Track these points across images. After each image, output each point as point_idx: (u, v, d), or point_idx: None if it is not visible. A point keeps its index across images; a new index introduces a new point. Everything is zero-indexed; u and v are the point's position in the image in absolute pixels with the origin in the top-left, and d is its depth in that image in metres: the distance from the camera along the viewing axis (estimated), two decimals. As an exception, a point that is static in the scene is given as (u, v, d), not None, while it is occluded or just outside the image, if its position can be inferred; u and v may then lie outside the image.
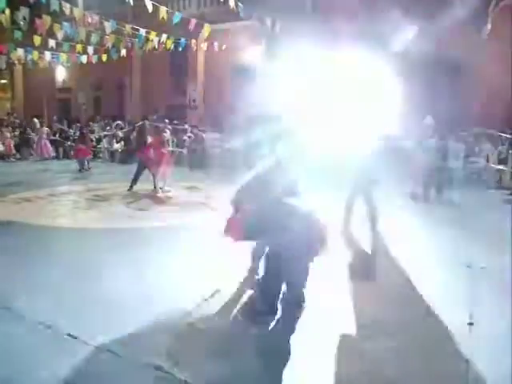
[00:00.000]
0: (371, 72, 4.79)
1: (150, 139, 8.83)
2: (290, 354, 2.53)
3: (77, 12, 11.82)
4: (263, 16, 12.19)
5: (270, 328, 2.62)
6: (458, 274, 4.18)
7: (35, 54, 14.23)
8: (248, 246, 3.79)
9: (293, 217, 2.65)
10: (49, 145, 15.89)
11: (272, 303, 2.81)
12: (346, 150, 4.58)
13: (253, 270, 3.71)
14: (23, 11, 10.32)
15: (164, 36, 13.04)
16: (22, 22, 10.77)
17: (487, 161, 10.27)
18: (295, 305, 2.61)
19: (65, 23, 12.02)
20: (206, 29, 12.01)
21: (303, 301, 2.62)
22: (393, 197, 8.12)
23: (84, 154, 12.49)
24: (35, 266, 4.35)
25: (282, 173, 2.88)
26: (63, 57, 14.68)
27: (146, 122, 13.47)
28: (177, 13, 11.69)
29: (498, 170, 10.28)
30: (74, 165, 13.05)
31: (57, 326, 3.04)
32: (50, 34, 12.18)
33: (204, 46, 13.89)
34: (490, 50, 12.69)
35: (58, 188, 9.31)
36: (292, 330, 2.59)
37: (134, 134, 14.57)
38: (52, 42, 13.14)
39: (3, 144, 15.39)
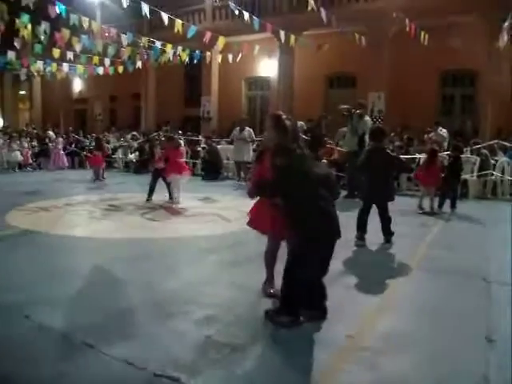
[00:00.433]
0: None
1: (164, 150, 8.90)
2: None
3: (95, 25, 12.08)
4: (278, 29, 12.31)
5: None
6: (477, 287, 4.19)
7: (54, 66, 14.56)
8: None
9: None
10: (64, 155, 16.12)
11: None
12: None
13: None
14: (44, 25, 10.57)
15: (179, 48, 13.24)
16: (42, 36, 11.02)
17: (502, 173, 10.19)
18: None
19: (83, 36, 12.28)
20: (221, 41, 12.16)
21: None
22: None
23: (99, 162, 12.65)
24: (52, 274, 4.41)
25: None
26: (80, 69, 14.99)
27: (160, 133, 13.69)
28: (192, 26, 11.86)
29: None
30: (89, 175, 13.23)
31: (72, 334, 3.08)
32: (68, 46, 12.46)
33: (218, 58, 14.06)
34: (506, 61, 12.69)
35: (74, 197, 9.44)
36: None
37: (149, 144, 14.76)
38: (70, 55, 13.44)
39: (21, 154, 15.66)
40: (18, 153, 15.63)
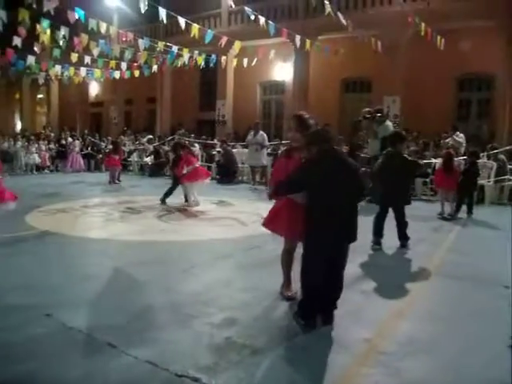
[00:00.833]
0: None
1: (180, 153, 8.99)
2: None
3: (112, 30, 12.25)
4: (293, 33, 12.35)
5: None
6: (495, 293, 4.18)
7: (71, 71, 14.76)
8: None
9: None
10: (81, 158, 16.34)
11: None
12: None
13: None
14: (64, 30, 10.75)
15: (195, 52, 13.34)
16: (61, 41, 11.20)
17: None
18: None
19: (100, 40, 12.45)
20: (237, 45, 12.22)
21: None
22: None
23: (115, 164, 12.80)
24: (73, 275, 4.49)
25: None
26: (97, 73, 15.14)
27: (176, 137, 13.80)
28: (209, 30, 11.94)
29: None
30: (105, 177, 13.40)
31: (95, 335, 3.14)
32: (86, 50, 12.65)
33: (234, 62, 14.13)
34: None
35: (91, 200, 9.58)
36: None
37: (165, 148, 14.90)
38: (87, 59, 13.62)
39: (39, 156, 15.90)
40: (36, 155, 15.88)
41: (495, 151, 10.84)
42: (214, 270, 4.80)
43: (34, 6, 9.26)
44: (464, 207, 8.22)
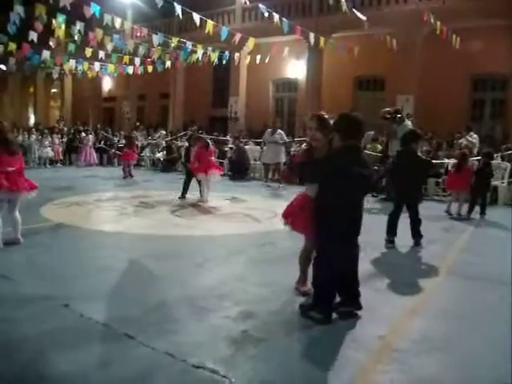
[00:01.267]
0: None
1: (195, 148, 9.02)
2: None
3: (127, 25, 12.32)
4: (307, 31, 12.33)
5: None
6: (507, 293, 4.16)
7: (85, 65, 14.87)
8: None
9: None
10: (94, 152, 16.46)
11: None
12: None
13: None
14: (79, 25, 10.84)
15: (209, 49, 13.37)
16: (76, 36, 11.30)
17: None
18: None
19: (115, 36, 12.53)
20: (251, 42, 12.23)
21: None
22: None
23: (131, 157, 12.91)
24: (88, 267, 4.55)
25: None
26: (111, 67, 15.22)
27: (189, 133, 13.83)
28: (224, 27, 11.96)
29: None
30: (117, 172, 13.50)
31: (113, 326, 3.18)
32: (100, 45, 12.74)
33: (247, 59, 14.15)
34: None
35: (104, 193, 9.67)
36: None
37: (178, 143, 14.96)
38: (101, 54, 13.71)
39: (52, 150, 16.05)
40: (49, 149, 16.03)
41: (509, 152, 10.76)
42: (227, 265, 4.84)
43: (51, 1, 9.35)
44: (477, 208, 8.18)
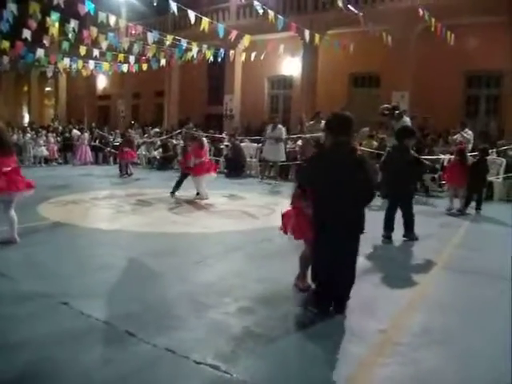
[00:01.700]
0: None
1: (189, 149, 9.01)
2: None
3: (121, 23, 12.27)
4: (302, 28, 12.33)
5: None
6: (503, 287, 4.20)
7: (80, 63, 14.79)
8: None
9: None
10: (89, 150, 16.39)
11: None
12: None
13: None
14: (73, 23, 10.78)
15: (204, 46, 13.35)
16: (70, 34, 11.23)
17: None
18: None
19: (109, 34, 12.47)
20: (246, 39, 12.22)
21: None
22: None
23: (130, 156, 12.87)
24: (87, 265, 4.55)
25: None
26: (105, 66, 15.16)
27: (184, 131, 13.81)
28: (219, 25, 11.94)
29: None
30: (113, 170, 13.47)
31: (114, 324, 3.18)
32: (95, 43, 12.68)
33: (242, 56, 14.13)
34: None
35: (100, 192, 9.64)
36: None
37: (173, 141, 14.93)
38: (96, 52, 13.65)
39: (47, 149, 15.98)
40: (44, 148, 15.96)
41: (504, 148, 10.81)
42: (226, 261, 4.85)
43: (45, -2, 9.31)
44: (473, 203, 8.21)
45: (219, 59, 13.99)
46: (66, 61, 14.26)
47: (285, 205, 8.26)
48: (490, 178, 9.57)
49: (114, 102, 24.16)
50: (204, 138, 10.81)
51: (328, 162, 3.36)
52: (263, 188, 10.93)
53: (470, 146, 11.06)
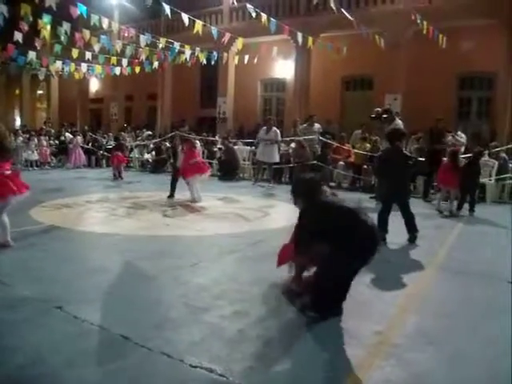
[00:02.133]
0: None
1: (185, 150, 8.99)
2: None
3: (114, 26, 12.25)
4: (294, 30, 12.37)
5: None
6: (498, 288, 4.22)
7: (72, 66, 14.75)
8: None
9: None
10: (82, 154, 16.31)
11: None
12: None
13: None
14: (65, 26, 10.74)
15: (197, 49, 13.35)
16: (63, 37, 11.18)
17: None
18: None
19: (102, 36, 12.44)
20: (239, 42, 12.24)
21: None
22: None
23: (121, 160, 12.84)
24: (81, 269, 4.51)
25: None
26: (98, 68, 15.12)
27: (177, 133, 13.77)
28: (213, 27, 11.95)
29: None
30: (106, 173, 13.42)
31: (108, 328, 3.16)
32: (87, 46, 12.64)
33: (235, 59, 14.14)
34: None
35: (94, 195, 9.59)
36: None
37: (167, 144, 14.90)
38: (88, 55, 13.62)
39: (38, 152, 15.86)
40: (36, 151, 15.84)
41: (497, 149, 10.89)
42: (220, 264, 4.84)
43: (36, 0, 9.25)
44: (466, 205, 8.26)
45: (212, 62, 14.00)
46: (58, 64, 14.21)
47: (278, 207, 8.36)
48: (482, 180, 9.66)
49: (106, 105, 24.07)
50: (197, 141, 10.83)
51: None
52: (257, 191, 10.93)
53: (462, 149, 11.13)
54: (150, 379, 2.56)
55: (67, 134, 16.75)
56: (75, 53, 13.13)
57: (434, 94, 14.50)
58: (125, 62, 14.55)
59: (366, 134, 12.16)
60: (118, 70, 15.14)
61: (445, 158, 9.15)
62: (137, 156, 16.55)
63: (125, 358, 2.77)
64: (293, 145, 12.79)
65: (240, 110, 18.69)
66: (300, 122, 13.66)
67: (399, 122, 9.06)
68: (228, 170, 13.24)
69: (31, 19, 10.13)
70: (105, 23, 11.04)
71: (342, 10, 10.87)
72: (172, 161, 10.14)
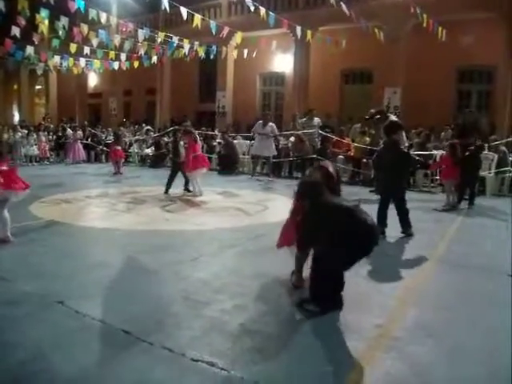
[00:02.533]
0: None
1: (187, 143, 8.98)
2: None
3: (112, 20, 12.18)
4: (293, 24, 12.31)
5: None
6: (497, 281, 4.23)
7: (71, 61, 14.68)
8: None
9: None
10: (82, 149, 16.28)
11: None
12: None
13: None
14: (63, 20, 10.68)
15: (196, 43, 13.28)
16: (61, 31, 11.12)
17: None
18: None
19: (101, 31, 12.37)
20: (238, 36, 12.17)
21: None
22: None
23: (119, 155, 12.82)
24: (82, 264, 4.52)
25: None
26: (96, 63, 15.04)
27: (179, 128, 13.74)
28: (211, 21, 11.89)
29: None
30: (106, 168, 13.42)
31: (110, 322, 3.17)
32: (85, 41, 12.58)
33: (234, 53, 14.09)
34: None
35: (94, 190, 9.58)
36: None
37: (165, 139, 14.88)
38: (86, 49, 13.54)
39: (38, 148, 15.84)
40: (35, 147, 15.83)
41: (496, 143, 10.87)
42: (221, 259, 4.84)
43: (34, -6, 9.19)
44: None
45: (211, 56, 13.93)
46: (57, 58, 14.13)
47: (278, 201, 8.36)
48: (482, 173, 9.65)
49: (105, 100, 23.99)
50: (197, 135, 10.79)
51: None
52: (256, 185, 10.93)
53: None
54: (151, 373, 2.56)
55: (69, 131, 16.70)
56: (73, 47, 13.03)
57: (434, 87, 14.48)
58: (123, 56, 14.46)
59: (366, 128, 12.14)
60: (116, 65, 15.04)
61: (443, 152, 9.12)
62: (136, 151, 16.52)
63: (126, 352, 2.78)
64: (292, 139, 12.77)
65: (239, 104, 18.66)
66: (299, 115, 13.63)
67: (393, 118, 9.06)
68: (227, 164, 13.22)
69: (29, 14, 10.06)
70: (103, 18, 10.97)
71: (341, 3, 10.78)
72: (172, 155, 10.14)
